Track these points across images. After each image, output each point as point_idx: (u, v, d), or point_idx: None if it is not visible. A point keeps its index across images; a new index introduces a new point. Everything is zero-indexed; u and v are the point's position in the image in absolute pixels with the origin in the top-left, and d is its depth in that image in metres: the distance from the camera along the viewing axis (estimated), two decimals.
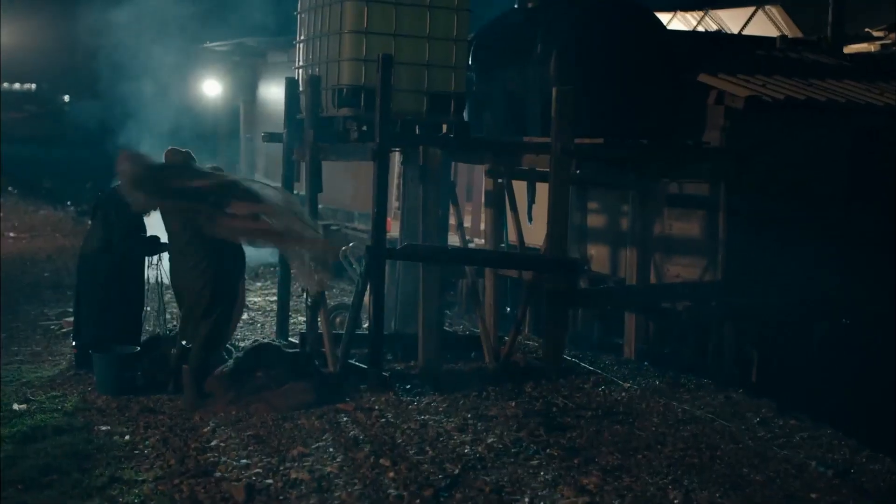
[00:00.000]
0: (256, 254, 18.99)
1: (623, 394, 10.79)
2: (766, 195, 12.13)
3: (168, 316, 11.97)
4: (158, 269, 11.32)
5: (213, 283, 10.06)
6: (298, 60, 12.31)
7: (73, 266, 12.26)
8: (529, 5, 12.98)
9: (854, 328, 12.46)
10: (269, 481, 7.88)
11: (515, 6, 13.36)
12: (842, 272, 12.36)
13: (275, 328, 13.19)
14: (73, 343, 11.46)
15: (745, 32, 19.47)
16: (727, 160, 12.04)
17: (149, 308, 11.72)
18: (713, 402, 10.58)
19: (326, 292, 11.63)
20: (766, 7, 19.56)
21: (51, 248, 20.90)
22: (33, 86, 41.92)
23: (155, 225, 10.73)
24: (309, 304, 11.43)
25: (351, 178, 18.35)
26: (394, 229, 13.83)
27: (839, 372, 12.00)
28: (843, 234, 12.40)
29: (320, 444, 8.78)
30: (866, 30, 17.08)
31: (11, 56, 38.11)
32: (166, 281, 10.89)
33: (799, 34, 17.85)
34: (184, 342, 10.24)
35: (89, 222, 11.37)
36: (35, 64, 39.83)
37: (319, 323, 11.64)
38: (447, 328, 13.22)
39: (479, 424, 9.46)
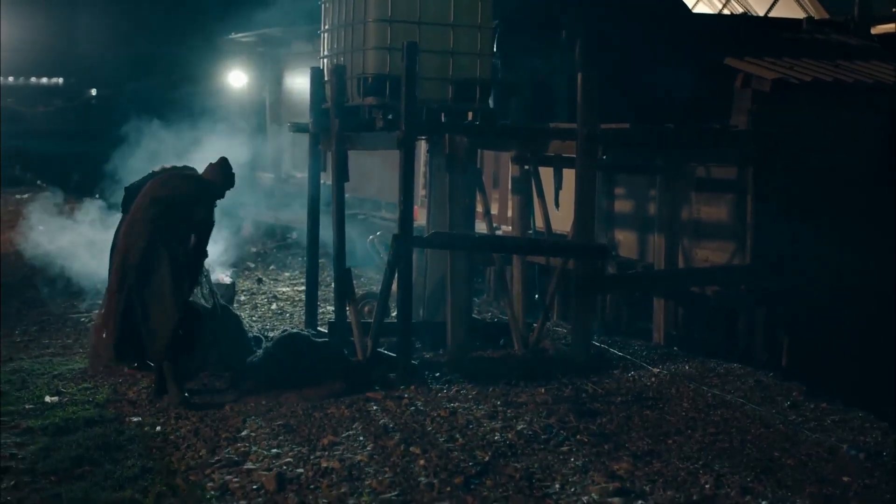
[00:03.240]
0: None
1: (653, 379, 10.77)
2: (795, 178, 12.07)
3: None
4: None
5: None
6: (323, 50, 12.30)
7: (103, 258, 12.31)
8: None
9: (884, 311, 12.38)
10: (300, 470, 7.91)
11: None
12: (872, 255, 12.28)
13: (304, 318, 13.22)
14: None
15: (770, 14, 19.38)
16: (755, 144, 11.98)
17: None
18: (743, 386, 10.54)
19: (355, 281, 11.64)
20: None
21: (80, 240, 20.95)
22: (60, 80, 42.05)
23: None
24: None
25: (377, 167, 18.36)
26: (421, 217, 13.84)
27: (870, 355, 11.94)
28: (873, 217, 12.32)
29: (350, 432, 8.80)
30: (894, 9, 16.95)
31: (38, 51, 38.29)
32: None
33: (825, 15, 17.74)
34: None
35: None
36: (61, 58, 40.00)
37: (348, 312, 11.67)
38: (475, 315, 13.22)
39: (509, 411, 9.46)
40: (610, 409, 9.62)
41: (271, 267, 18.65)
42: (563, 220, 12.61)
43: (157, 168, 11.26)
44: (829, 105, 12.29)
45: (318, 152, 12.44)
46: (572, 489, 7.62)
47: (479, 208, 12.74)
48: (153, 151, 15.52)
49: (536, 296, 14.31)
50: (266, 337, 11.76)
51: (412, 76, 10.63)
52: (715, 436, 8.90)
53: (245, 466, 7.99)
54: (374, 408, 9.57)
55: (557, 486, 7.68)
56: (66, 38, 39.20)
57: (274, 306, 14.97)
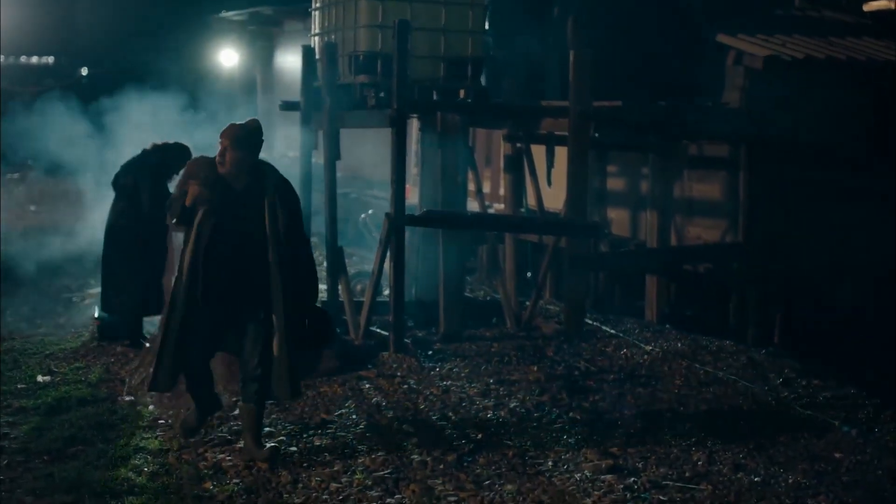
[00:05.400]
0: None
1: (645, 357, 10.77)
2: (787, 156, 12.06)
3: None
4: None
5: None
6: (314, 28, 12.27)
7: (95, 238, 12.31)
8: None
9: (877, 289, 12.40)
10: (293, 448, 7.91)
11: None
12: (865, 233, 12.29)
13: None
14: (95, 315, 11.49)
15: None
16: (747, 121, 11.97)
17: None
18: (735, 363, 10.55)
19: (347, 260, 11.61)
20: None
21: (72, 220, 20.93)
22: (51, 59, 41.91)
23: None
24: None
25: (369, 146, 18.33)
26: (413, 196, 13.83)
27: (862, 332, 11.96)
28: (865, 195, 12.31)
29: (343, 410, 8.80)
30: None
31: (28, 29, 38.13)
32: None
33: None
34: None
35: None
36: (53, 37, 39.88)
37: (340, 290, 11.66)
38: (468, 294, 13.20)
39: (502, 389, 9.46)
40: (603, 387, 9.62)
41: None
42: (555, 198, 12.61)
43: (148, 146, 11.23)
44: (821, 82, 12.28)
45: (309, 131, 12.40)
46: (565, 466, 7.62)
47: (471, 186, 12.72)
48: (144, 130, 15.48)
49: (529, 274, 14.32)
50: None
51: (404, 54, 10.59)
52: (707, 413, 8.91)
53: (238, 445, 7.98)
54: (367, 386, 9.56)
55: (550, 463, 7.69)
56: (57, 16, 39.06)
57: None
